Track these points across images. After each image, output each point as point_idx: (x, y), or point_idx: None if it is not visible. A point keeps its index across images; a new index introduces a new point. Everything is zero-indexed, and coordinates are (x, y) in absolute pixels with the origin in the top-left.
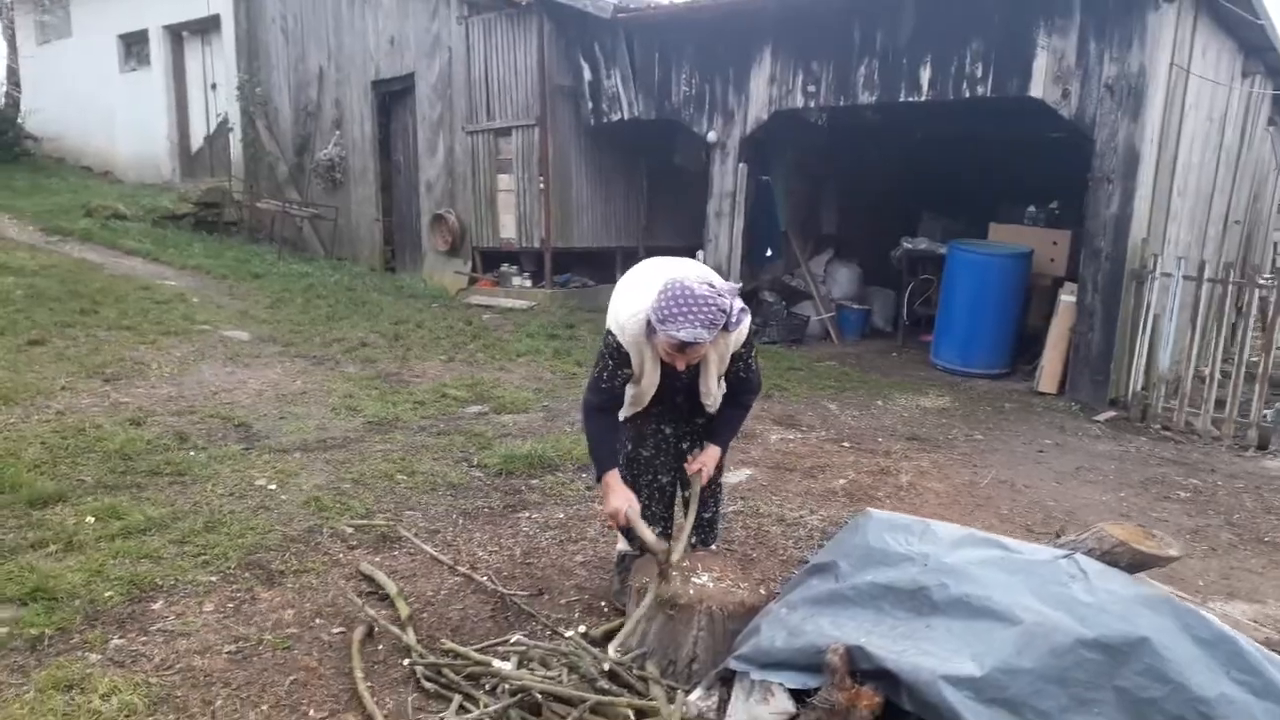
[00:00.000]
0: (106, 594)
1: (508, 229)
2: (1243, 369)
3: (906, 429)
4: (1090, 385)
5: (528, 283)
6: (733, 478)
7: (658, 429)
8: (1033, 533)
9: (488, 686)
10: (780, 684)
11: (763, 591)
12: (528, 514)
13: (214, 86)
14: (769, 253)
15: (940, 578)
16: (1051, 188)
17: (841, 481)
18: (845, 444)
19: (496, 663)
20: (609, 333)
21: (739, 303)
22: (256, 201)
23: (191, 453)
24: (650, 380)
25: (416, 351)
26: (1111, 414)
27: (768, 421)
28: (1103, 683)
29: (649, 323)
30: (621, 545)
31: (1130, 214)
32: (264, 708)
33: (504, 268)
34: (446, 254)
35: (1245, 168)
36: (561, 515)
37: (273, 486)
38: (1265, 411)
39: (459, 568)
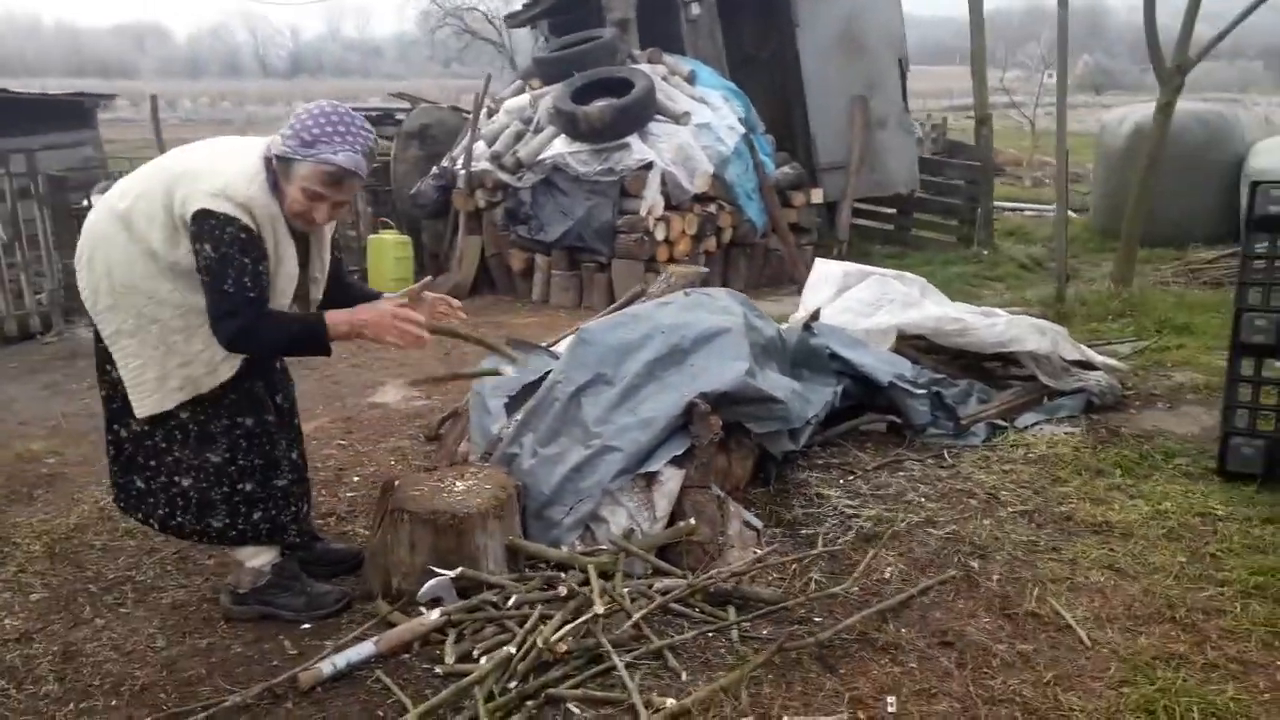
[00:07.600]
0: None
1: None
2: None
3: None
4: None
5: None
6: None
7: (267, 386)
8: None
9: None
10: (666, 463)
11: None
12: None
13: None
14: None
15: (678, 333)
16: None
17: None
18: None
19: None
20: (226, 219)
21: None
22: None
23: None
24: (289, 269)
25: None
26: None
27: None
28: (747, 341)
29: (276, 171)
30: (256, 561)
31: None
32: None
33: None
34: None
35: None
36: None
37: None
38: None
39: None
